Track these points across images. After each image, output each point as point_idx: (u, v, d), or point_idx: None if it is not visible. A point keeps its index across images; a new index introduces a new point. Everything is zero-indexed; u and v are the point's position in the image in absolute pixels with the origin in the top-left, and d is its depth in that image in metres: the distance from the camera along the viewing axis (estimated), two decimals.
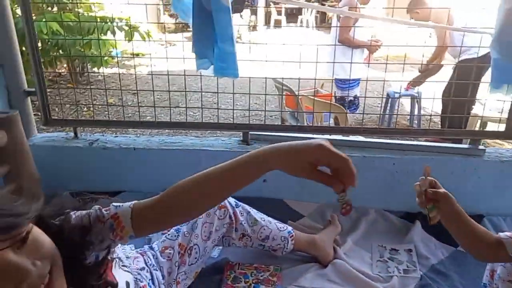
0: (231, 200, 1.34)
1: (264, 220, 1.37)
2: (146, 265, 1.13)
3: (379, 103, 4.61)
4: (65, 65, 5.73)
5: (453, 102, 2.26)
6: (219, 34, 1.47)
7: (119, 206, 0.82)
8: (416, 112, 4.28)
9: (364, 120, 1.82)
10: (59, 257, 0.69)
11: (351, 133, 1.81)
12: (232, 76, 1.56)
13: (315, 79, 2.11)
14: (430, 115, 3.71)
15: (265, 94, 1.75)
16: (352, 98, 3.97)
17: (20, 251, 0.62)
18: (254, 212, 1.37)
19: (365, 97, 3.48)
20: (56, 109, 2.48)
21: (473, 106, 2.89)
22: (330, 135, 1.79)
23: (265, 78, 1.74)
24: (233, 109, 1.74)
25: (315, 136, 1.81)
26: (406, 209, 1.68)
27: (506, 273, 0.99)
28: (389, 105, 4.25)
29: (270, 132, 1.81)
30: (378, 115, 3.95)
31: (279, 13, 10.45)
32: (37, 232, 0.67)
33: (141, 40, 4.19)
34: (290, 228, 1.41)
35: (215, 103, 1.90)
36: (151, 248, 1.23)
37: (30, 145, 1.64)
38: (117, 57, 4.00)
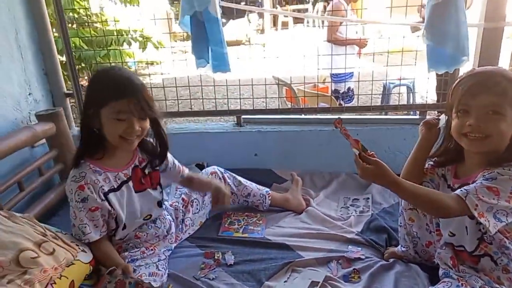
0: (221, 168, 1.81)
1: (246, 182, 1.82)
2: (166, 210, 1.60)
3: (377, 95, 4.95)
4: (86, 77, 6.29)
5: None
6: (211, 39, 1.90)
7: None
8: (411, 100, 4.62)
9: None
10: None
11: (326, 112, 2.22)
12: (224, 71, 1.99)
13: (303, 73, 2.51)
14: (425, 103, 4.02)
15: (252, 85, 2.16)
16: (346, 90, 4.35)
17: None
18: (238, 177, 1.82)
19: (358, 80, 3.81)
20: None
21: None
22: (305, 114, 2.20)
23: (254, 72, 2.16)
24: (228, 98, 2.17)
25: (292, 116, 2.23)
26: None
27: (406, 203, 1.36)
28: (385, 95, 4.61)
29: (259, 116, 2.24)
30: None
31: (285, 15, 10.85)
32: None
33: (154, 49, 4.68)
34: (267, 189, 1.85)
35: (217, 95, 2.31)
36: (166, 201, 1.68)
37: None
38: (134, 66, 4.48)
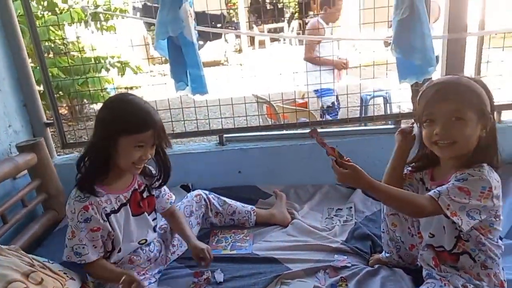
0: (205, 191, 1.84)
1: (231, 202, 1.85)
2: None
3: (356, 107, 5.07)
4: (64, 104, 6.24)
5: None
6: (188, 62, 1.94)
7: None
8: (388, 110, 4.76)
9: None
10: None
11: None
12: (202, 93, 2.03)
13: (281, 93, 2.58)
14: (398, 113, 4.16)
15: (232, 104, 2.21)
16: (330, 105, 4.44)
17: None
18: (223, 197, 1.85)
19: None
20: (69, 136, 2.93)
21: None
22: (286, 130, 2.25)
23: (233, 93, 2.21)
24: (209, 118, 2.22)
25: (274, 132, 2.28)
26: None
27: (388, 209, 1.42)
28: (363, 107, 4.74)
29: (241, 133, 2.29)
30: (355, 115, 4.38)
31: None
32: None
33: (133, 74, 4.72)
34: (251, 206, 1.88)
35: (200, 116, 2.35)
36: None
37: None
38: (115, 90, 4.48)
